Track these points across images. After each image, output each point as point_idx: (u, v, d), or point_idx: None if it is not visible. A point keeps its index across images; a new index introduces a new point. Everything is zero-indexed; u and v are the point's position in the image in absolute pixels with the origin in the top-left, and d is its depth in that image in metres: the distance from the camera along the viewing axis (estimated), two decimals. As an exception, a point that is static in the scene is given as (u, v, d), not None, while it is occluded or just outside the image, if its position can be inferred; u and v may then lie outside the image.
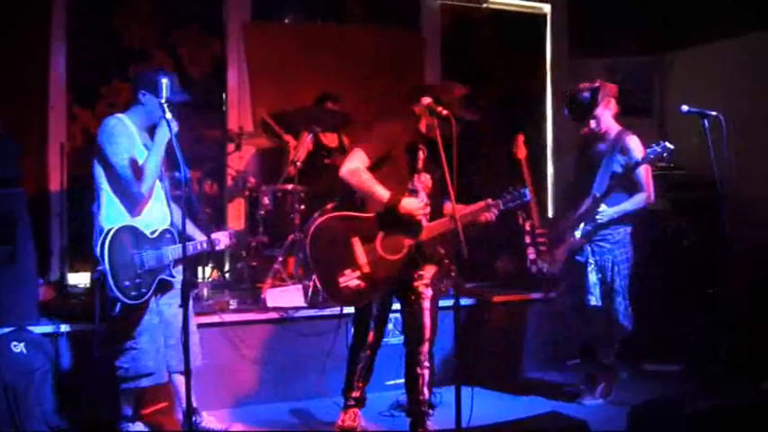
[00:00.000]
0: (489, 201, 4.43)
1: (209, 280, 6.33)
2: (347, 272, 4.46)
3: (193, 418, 4.58)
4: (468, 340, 5.94)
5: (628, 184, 5.20)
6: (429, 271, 4.59)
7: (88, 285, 5.87)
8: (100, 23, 6.81)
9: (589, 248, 5.27)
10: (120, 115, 4.44)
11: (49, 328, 4.97)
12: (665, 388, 5.66)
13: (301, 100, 6.91)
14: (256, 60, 7.26)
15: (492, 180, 6.97)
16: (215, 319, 5.43)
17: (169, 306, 4.56)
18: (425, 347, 4.54)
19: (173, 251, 4.44)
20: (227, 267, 6.84)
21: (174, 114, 4.18)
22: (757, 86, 6.97)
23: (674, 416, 3.85)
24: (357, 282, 4.46)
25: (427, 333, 4.54)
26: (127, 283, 4.25)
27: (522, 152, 6.13)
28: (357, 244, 4.48)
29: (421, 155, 4.58)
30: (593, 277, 5.25)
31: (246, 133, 6.65)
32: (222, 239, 4.78)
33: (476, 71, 8.19)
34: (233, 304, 5.71)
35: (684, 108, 4.66)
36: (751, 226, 6.36)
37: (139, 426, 4.65)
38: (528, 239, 6.48)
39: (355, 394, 4.80)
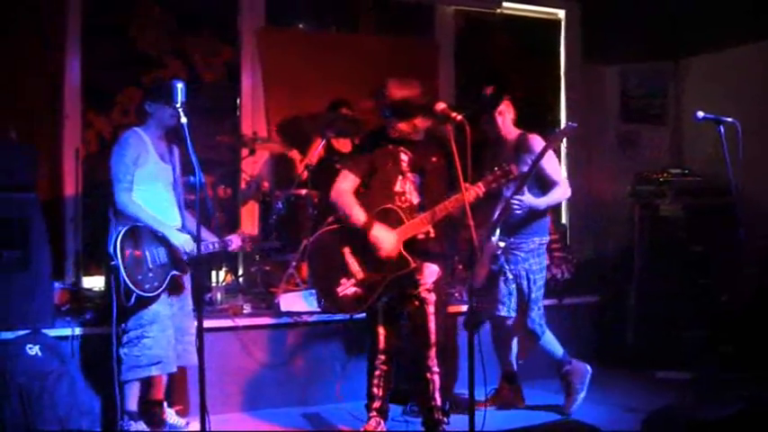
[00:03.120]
0: (469, 185, 4.35)
1: (223, 284, 6.34)
2: (343, 281, 4.60)
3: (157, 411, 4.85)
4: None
5: (540, 183, 5.14)
6: (430, 276, 4.61)
7: (103, 288, 5.90)
8: (114, 30, 6.85)
9: (504, 258, 5.20)
10: (136, 128, 4.75)
11: (63, 332, 5.01)
12: (675, 396, 5.62)
13: (315, 106, 6.92)
14: (270, 66, 7.28)
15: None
16: (228, 323, 5.44)
17: (182, 308, 4.84)
18: (432, 352, 4.57)
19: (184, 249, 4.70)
20: (240, 272, 6.85)
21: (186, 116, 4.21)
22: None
23: (688, 423, 3.83)
24: (354, 289, 4.59)
25: (433, 338, 4.57)
26: (140, 276, 4.51)
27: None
28: (348, 253, 4.63)
29: (403, 157, 4.67)
30: (505, 287, 5.19)
31: (260, 138, 6.67)
32: (235, 241, 4.97)
33: (490, 77, 8.17)
34: (246, 308, 5.73)
35: (700, 114, 4.65)
36: (765, 232, 6.33)
37: (141, 425, 4.72)
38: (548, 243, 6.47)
39: (376, 405, 4.76)
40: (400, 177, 4.66)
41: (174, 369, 4.71)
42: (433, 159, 4.67)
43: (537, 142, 5.16)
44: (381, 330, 4.71)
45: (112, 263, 4.45)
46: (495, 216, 5.09)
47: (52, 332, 4.94)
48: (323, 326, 5.60)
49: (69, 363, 4.83)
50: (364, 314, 4.80)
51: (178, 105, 3.94)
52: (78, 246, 6.34)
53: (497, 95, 5.22)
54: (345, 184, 4.72)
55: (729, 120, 4.65)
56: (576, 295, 6.63)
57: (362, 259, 4.59)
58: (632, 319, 6.64)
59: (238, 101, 7.29)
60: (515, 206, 4.94)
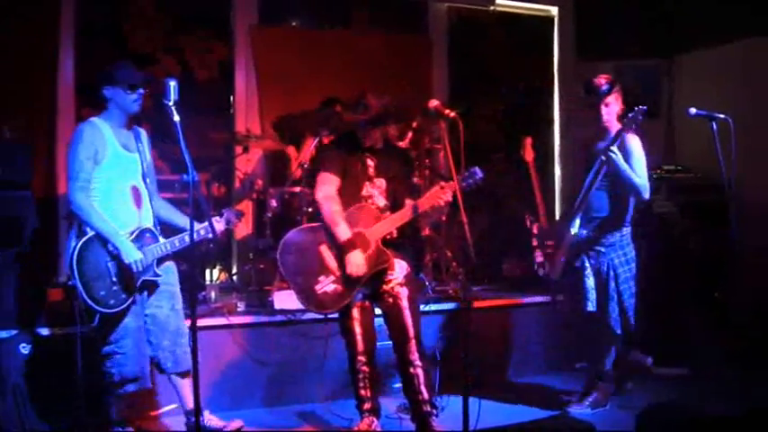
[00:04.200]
0: (442, 183, 4.60)
1: (217, 282, 6.35)
2: (321, 278, 4.63)
3: (194, 418, 4.44)
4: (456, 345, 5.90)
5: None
6: (401, 271, 4.67)
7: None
8: (108, 28, 6.85)
9: (586, 253, 5.23)
10: (93, 119, 4.43)
11: (56, 330, 4.96)
12: (672, 392, 5.63)
13: (308, 103, 6.92)
14: (264, 64, 7.27)
15: (498, 182, 6.97)
16: (223, 321, 5.44)
17: (160, 308, 4.51)
18: (412, 346, 4.61)
19: (154, 250, 4.41)
20: (234, 270, 6.85)
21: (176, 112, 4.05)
22: (765, 89, 6.96)
23: (682, 420, 3.84)
24: (333, 285, 4.62)
25: (410, 332, 4.61)
26: (102, 292, 4.21)
27: (529, 155, 6.12)
28: (325, 250, 4.66)
29: (370, 162, 4.80)
30: (589, 282, 5.21)
31: (254, 136, 6.65)
32: (221, 222, 4.70)
33: (483, 74, 8.20)
34: (240, 306, 5.74)
35: (693, 111, 4.65)
36: (758, 229, 6.35)
37: None
38: (535, 242, 6.47)
39: (367, 406, 4.77)
40: (367, 182, 4.79)
41: (150, 384, 4.49)
42: (396, 166, 4.84)
43: (633, 143, 5.12)
44: (358, 330, 4.72)
45: (70, 282, 4.15)
46: (577, 203, 5.15)
47: (45, 331, 4.92)
48: (318, 324, 5.59)
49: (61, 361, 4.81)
50: (337, 314, 4.82)
51: (171, 103, 3.93)
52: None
53: (611, 85, 5.19)
54: (330, 188, 4.74)
55: (722, 116, 4.65)
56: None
57: (341, 256, 4.62)
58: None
59: (232, 98, 7.28)
60: (610, 156, 4.95)
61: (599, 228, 5.19)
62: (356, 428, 4.77)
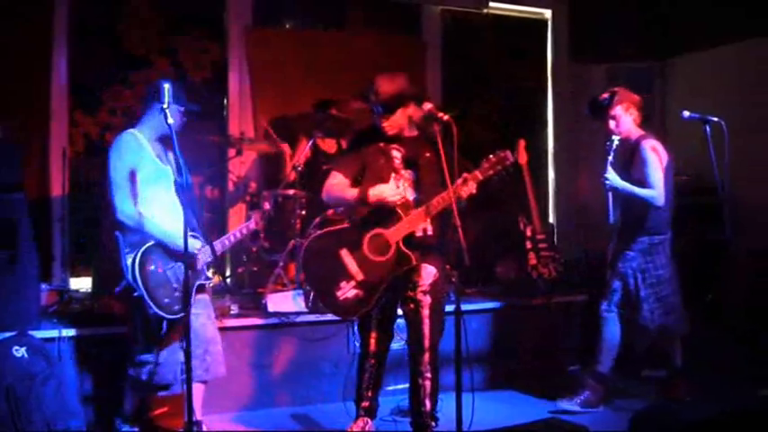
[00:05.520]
0: (466, 175, 4.39)
1: (211, 285, 6.32)
2: (342, 284, 4.51)
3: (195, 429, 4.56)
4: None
5: (637, 184, 5.14)
6: (428, 277, 4.54)
7: (90, 290, 5.89)
8: (102, 29, 6.83)
9: (612, 254, 5.30)
10: (132, 130, 4.47)
11: (50, 333, 4.97)
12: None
13: (302, 105, 6.93)
14: (258, 66, 7.26)
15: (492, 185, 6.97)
16: (216, 323, 5.42)
17: (197, 317, 4.51)
18: (426, 357, 4.52)
19: (203, 254, 4.51)
20: (228, 272, 6.84)
21: (179, 119, 4.34)
22: (759, 92, 6.98)
23: (676, 422, 3.85)
24: (355, 291, 4.50)
25: (427, 342, 4.50)
26: (167, 300, 4.28)
27: (523, 158, 6.14)
28: (346, 255, 4.53)
29: (396, 154, 4.64)
30: (613, 284, 5.27)
31: (248, 138, 6.65)
32: (254, 218, 4.95)
33: (477, 77, 8.21)
34: (234, 309, 5.72)
35: (686, 114, 4.67)
36: (751, 232, 6.36)
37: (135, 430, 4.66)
38: (529, 245, 6.50)
39: (365, 404, 4.76)
40: (393, 174, 4.61)
41: (180, 390, 4.48)
42: (426, 155, 4.63)
43: (647, 151, 5.15)
44: (374, 335, 4.68)
45: (135, 294, 4.19)
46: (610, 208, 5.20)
47: (39, 333, 4.90)
48: (311, 326, 5.59)
49: (56, 364, 4.80)
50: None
51: (165, 106, 3.93)
52: (66, 246, 6.31)
53: (611, 99, 5.23)
54: (334, 181, 4.69)
55: (715, 119, 4.67)
56: (564, 294, 6.64)
57: (361, 260, 4.51)
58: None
59: (225, 100, 7.27)
60: (607, 184, 5.04)
61: (622, 233, 5.29)
62: (349, 429, 4.76)
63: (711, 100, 6.96)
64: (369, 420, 4.77)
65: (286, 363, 5.58)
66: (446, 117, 4.27)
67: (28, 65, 6.35)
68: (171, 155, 4.60)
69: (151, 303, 4.20)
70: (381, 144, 4.67)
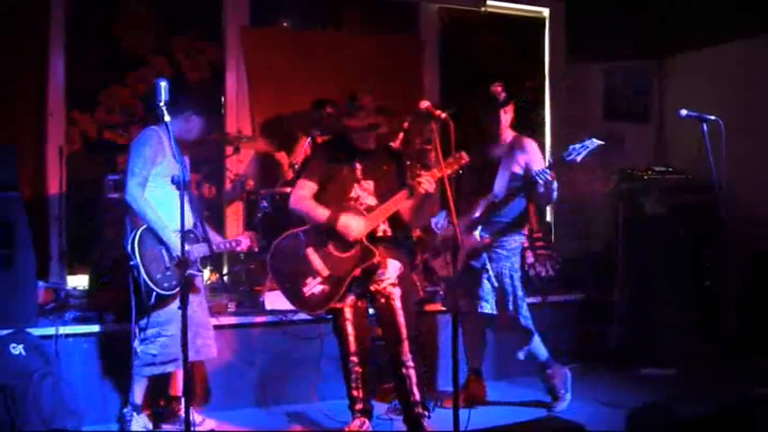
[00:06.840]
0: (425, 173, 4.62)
1: (208, 283, 6.33)
2: (309, 280, 4.67)
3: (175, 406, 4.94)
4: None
5: (528, 186, 5.16)
6: (394, 270, 4.67)
7: (87, 288, 5.90)
8: (98, 29, 6.82)
9: (486, 255, 5.26)
10: (155, 127, 4.77)
11: (47, 331, 4.99)
12: (659, 392, 5.65)
13: (300, 105, 6.92)
14: (255, 65, 7.26)
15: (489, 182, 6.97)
16: (213, 321, 5.42)
17: (200, 304, 4.90)
18: (405, 346, 4.61)
19: (197, 249, 4.76)
20: (225, 270, 6.84)
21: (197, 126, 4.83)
22: (756, 90, 6.99)
23: (672, 419, 3.85)
24: (321, 287, 4.66)
25: (404, 332, 4.61)
26: (159, 275, 4.57)
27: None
28: (311, 253, 4.70)
29: (357, 166, 4.81)
30: (487, 285, 5.25)
31: (245, 137, 6.66)
32: (243, 241, 5.10)
33: (474, 75, 8.20)
34: (231, 307, 5.73)
35: (683, 112, 4.67)
36: (747, 230, 6.38)
37: (143, 418, 4.79)
38: (526, 242, 6.48)
39: (359, 407, 4.79)
40: (355, 185, 4.79)
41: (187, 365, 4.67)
42: (385, 168, 4.84)
43: (530, 143, 5.31)
44: (351, 331, 4.75)
45: (131, 262, 4.50)
46: (479, 212, 5.15)
47: (36, 331, 4.92)
48: (308, 324, 5.60)
49: (53, 362, 4.81)
50: (330, 315, 4.84)
51: (162, 104, 3.94)
52: (63, 245, 6.30)
53: (509, 95, 5.30)
54: (304, 192, 4.82)
55: (712, 118, 4.67)
56: (561, 293, 6.65)
57: (326, 257, 4.66)
58: (617, 317, 6.67)
59: (223, 99, 7.27)
60: (542, 178, 4.99)
61: (500, 232, 5.27)
62: (347, 429, 4.78)
63: (709, 98, 6.96)
64: (366, 420, 4.79)
65: (283, 361, 5.58)
66: (443, 115, 4.28)
67: (24, 64, 6.34)
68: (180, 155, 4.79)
69: (143, 273, 4.50)
70: (344, 156, 4.83)
